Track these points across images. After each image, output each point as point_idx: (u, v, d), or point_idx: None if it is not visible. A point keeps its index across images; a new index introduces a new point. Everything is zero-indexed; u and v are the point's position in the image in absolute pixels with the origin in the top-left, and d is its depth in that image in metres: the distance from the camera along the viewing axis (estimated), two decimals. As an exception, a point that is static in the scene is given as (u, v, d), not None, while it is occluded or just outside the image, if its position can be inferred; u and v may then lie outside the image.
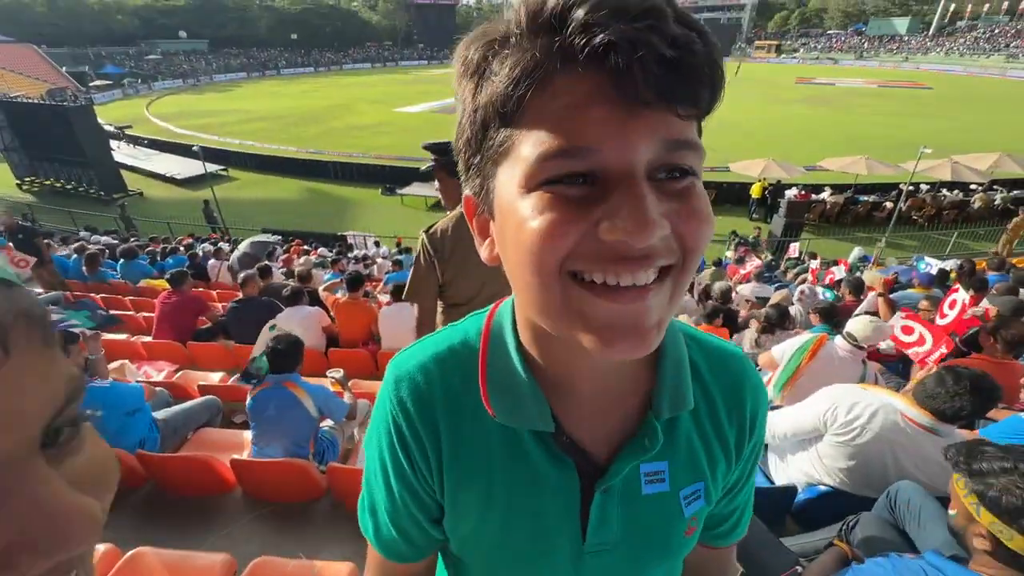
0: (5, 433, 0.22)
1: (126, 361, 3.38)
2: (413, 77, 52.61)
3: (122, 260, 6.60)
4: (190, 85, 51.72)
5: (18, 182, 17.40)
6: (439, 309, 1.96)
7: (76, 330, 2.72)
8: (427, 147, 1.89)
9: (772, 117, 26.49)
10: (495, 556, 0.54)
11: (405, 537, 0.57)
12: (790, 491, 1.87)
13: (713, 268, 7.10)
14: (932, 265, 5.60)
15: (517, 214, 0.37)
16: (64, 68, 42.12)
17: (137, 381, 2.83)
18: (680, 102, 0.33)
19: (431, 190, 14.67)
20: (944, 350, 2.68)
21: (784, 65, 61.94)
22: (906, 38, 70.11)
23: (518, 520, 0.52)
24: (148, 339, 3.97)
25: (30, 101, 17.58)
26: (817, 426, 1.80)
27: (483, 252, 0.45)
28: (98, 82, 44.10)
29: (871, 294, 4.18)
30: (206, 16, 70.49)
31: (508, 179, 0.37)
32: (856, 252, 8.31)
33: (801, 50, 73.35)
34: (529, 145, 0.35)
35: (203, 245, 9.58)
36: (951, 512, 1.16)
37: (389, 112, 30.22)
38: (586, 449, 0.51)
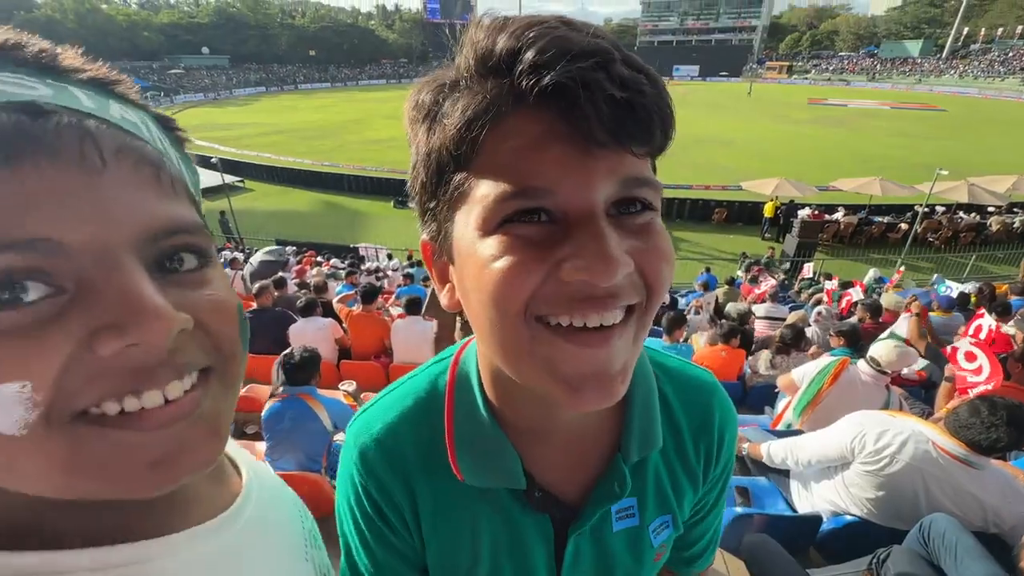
0: (101, 228, 0.26)
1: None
2: (427, 93, 53.63)
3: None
4: (211, 99, 53.17)
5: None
6: (457, 325, 1.96)
7: None
8: None
9: (784, 137, 26.49)
10: None
11: None
12: (814, 520, 1.81)
13: (726, 287, 7.04)
14: (952, 288, 5.50)
15: (477, 257, 0.35)
16: (91, 81, 43.53)
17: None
18: (634, 142, 0.32)
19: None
20: (994, 386, 2.61)
21: (796, 86, 62.15)
22: (919, 60, 70.18)
23: (501, 569, 0.52)
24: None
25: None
26: (844, 454, 1.75)
27: (443, 299, 0.43)
28: (123, 95, 45.46)
29: (904, 315, 4.08)
30: (228, 33, 72.83)
31: (465, 222, 0.36)
32: (872, 273, 8.18)
33: (813, 71, 73.69)
34: (485, 186, 0.34)
35: (221, 255, 9.69)
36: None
37: (403, 127, 30.72)
38: (559, 498, 0.51)
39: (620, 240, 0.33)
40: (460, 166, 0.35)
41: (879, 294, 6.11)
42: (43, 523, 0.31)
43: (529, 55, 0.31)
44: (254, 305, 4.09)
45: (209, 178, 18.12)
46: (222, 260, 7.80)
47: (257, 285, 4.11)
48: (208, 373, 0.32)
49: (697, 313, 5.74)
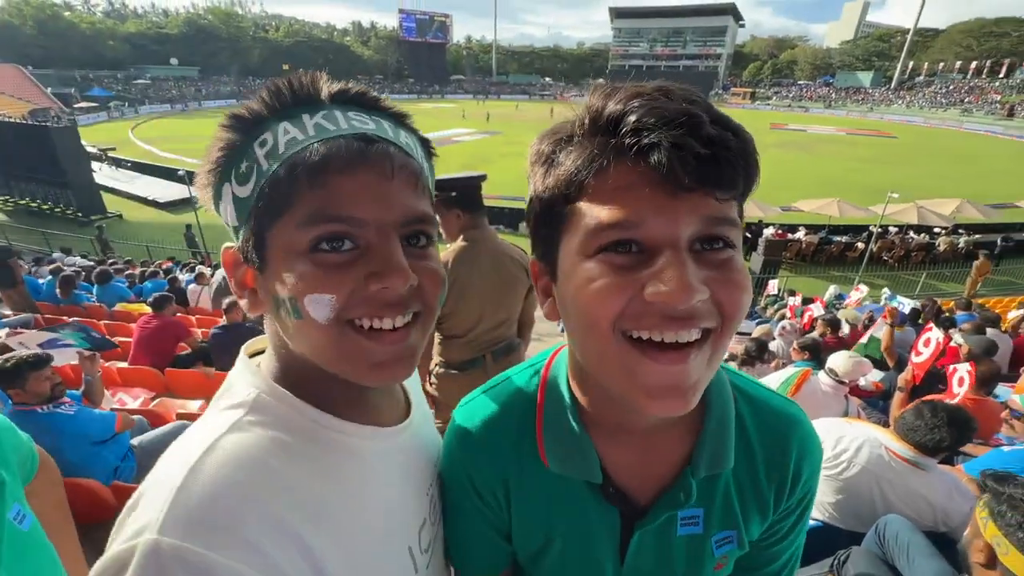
0: (387, 213, 0.44)
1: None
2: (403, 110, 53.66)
3: (97, 284, 6.42)
4: (178, 110, 51.84)
5: (-8, 201, 16.97)
6: (436, 340, 1.97)
7: (73, 349, 2.61)
8: (443, 181, 1.96)
9: (748, 159, 27.62)
10: (554, 572, 0.62)
11: (483, 553, 0.65)
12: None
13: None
14: (905, 304, 5.81)
15: (577, 278, 0.44)
16: (49, 89, 41.90)
17: (112, 409, 2.72)
18: (716, 188, 0.39)
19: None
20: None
21: (758, 111, 65.16)
22: (871, 90, 74.80)
23: (572, 548, 0.59)
24: (124, 365, 3.84)
25: (10, 120, 17.36)
26: None
27: (544, 310, 0.53)
28: (84, 104, 43.92)
29: (881, 322, 4.28)
30: (198, 44, 71.54)
31: (569, 247, 0.45)
32: (832, 290, 8.57)
33: (774, 98, 77.50)
34: (588, 219, 0.42)
35: (184, 270, 9.40)
36: (965, 532, 1.17)
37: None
38: (629, 496, 0.57)
39: (698, 270, 0.39)
40: (568, 201, 0.44)
41: (838, 310, 6.40)
42: (318, 393, 0.50)
43: (631, 119, 0.39)
44: (223, 321, 3.98)
45: (174, 191, 17.61)
46: (189, 274, 7.55)
47: (227, 300, 4.00)
48: (418, 317, 0.48)
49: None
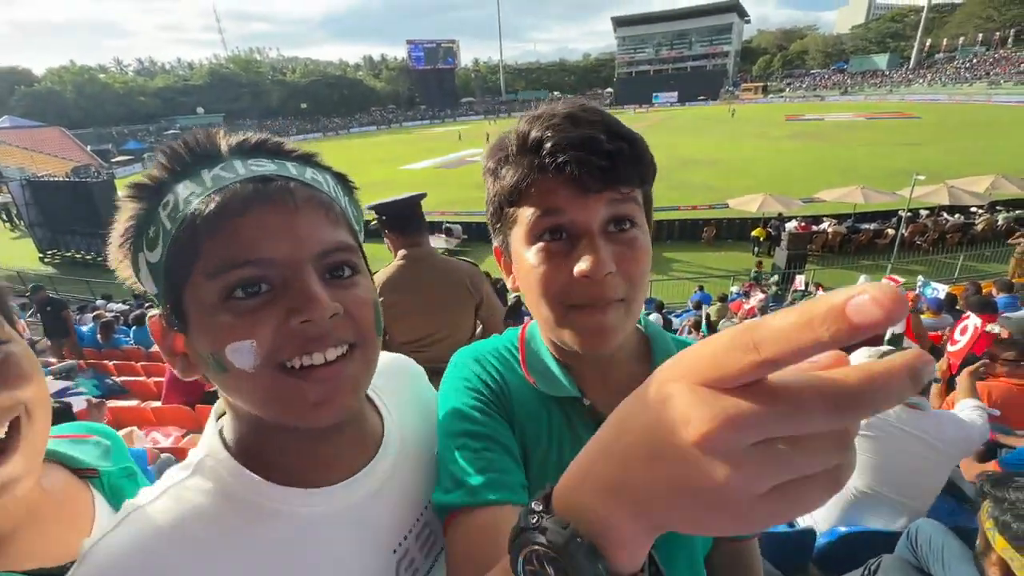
0: (297, 248, 0.44)
1: (134, 428, 3.39)
2: (417, 136, 55.05)
3: (134, 326, 6.74)
4: (206, 155, 54.33)
5: (41, 255, 18.06)
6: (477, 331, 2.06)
7: (83, 398, 2.74)
8: (371, 207, 2.05)
9: (766, 154, 27.12)
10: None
11: (497, 472, 0.58)
12: (808, 535, 1.80)
13: (719, 304, 7.08)
14: (939, 290, 5.55)
15: (524, 262, 0.58)
16: (89, 146, 44.71)
17: (144, 447, 2.83)
18: (617, 185, 0.54)
19: (440, 242, 15.02)
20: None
21: (772, 104, 64.11)
22: (888, 72, 72.71)
23: (565, 458, 0.63)
24: (157, 404, 4.00)
25: (55, 179, 18.56)
26: None
27: (508, 283, 0.66)
28: (120, 157, 46.69)
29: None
30: (221, 92, 75.36)
31: (516, 237, 0.59)
32: (862, 280, 8.27)
33: (787, 89, 76.14)
34: (526, 214, 0.57)
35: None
36: (978, 542, 1.12)
37: (395, 170, 31.39)
38: (605, 415, 0.59)
39: (609, 247, 0.54)
40: (511, 204, 0.58)
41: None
42: (266, 452, 0.50)
43: (548, 145, 0.53)
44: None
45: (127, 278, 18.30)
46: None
47: None
48: (353, 348, 0.47)
49: (691, 333, 5.76)
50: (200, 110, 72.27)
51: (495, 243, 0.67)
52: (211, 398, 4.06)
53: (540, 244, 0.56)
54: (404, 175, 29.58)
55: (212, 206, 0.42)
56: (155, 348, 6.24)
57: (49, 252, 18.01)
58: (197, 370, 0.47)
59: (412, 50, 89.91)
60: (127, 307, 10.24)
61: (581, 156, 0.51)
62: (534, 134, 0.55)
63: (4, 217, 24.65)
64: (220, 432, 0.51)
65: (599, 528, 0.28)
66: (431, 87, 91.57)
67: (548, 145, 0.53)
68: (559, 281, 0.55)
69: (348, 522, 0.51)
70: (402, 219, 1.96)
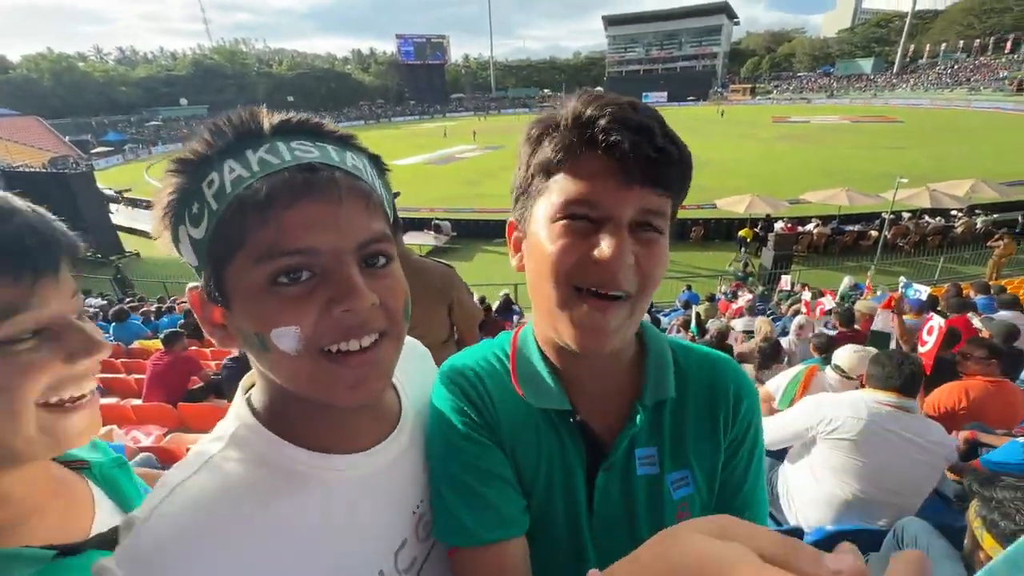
0: (341, 239, 0.45)
1: (114, 427, 3.30)
2: (405, 132, 54.55)
3: (114, 322, 6.58)
4: (189, 148, 53.26)
5: (16, 248, 17.54)
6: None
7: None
8: None
9: (754, 155, 27.45)
10: (540, 521, 0.63)
11: (493, 508, 0.60)
12: (796, 534, 1.81)
13: (707, 304, 7.15)
14: (921, 291, 5.65)
15: (542, 236, 0.55)
16: (67, 137, 43.51)
17: (125, 446, 2.75)
18: (657, 185, 0.51)
19: (428, 238, 14.92)
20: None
21: (760, 106, 64.90)
22: (873, 76, 74.02)
23: (555, 481, 0.63)
24: (138, 402, 3.90)
25: (31, 170, 18.05)
26: (809, 424, 1.88)
27: (512, 262, 0.63)
28: (100, 149, 45.48)
29: (881, 313, 4.11)
30: (206, 83, 73.88)
31: (541, 211, 0.56)
32: (847, 281, 8.38)
33: (775, 92, 77.13)
34: (559, 190, 0.54)
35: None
36: (966, 542, 1.13)
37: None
38: (594, 431, 0.63)
39: (633, 244, 0.52)
40: (546, 176, 0.55)
41: (855, 301, 6.26)
42: (297, 423, 0.53)
43: (603, 121, 0.50)
44: (235, 352, 4.03)
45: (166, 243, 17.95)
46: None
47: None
48: (384, 335, 0.50)
49: (679, 332, 5.80)
50: (184, 101, 70.68)
51: (512, 216, 0.63)
52: (194, 396, 3.99)
53: (564, 221, 0.53)
54: (394, 171, 29.17)
55: (261, 196, 0.42)
56: (135, 345, 6.12)
57: (25, 245, 17.50)
58: (235, 342, 0.49)
59: (402, 44, 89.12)
60: (105, 302, 10.00)
61: (635, 139, 0.49)
62: (590, 111, 0.52)
63: (-22, 208, 23.87)
64: (249, 402, 0.54)
65: None
66: (421, 82, 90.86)
67: (602, 122, 0.50)
68: (573, 258, 0.52)
69: (372, 486, 0.56)
70: None
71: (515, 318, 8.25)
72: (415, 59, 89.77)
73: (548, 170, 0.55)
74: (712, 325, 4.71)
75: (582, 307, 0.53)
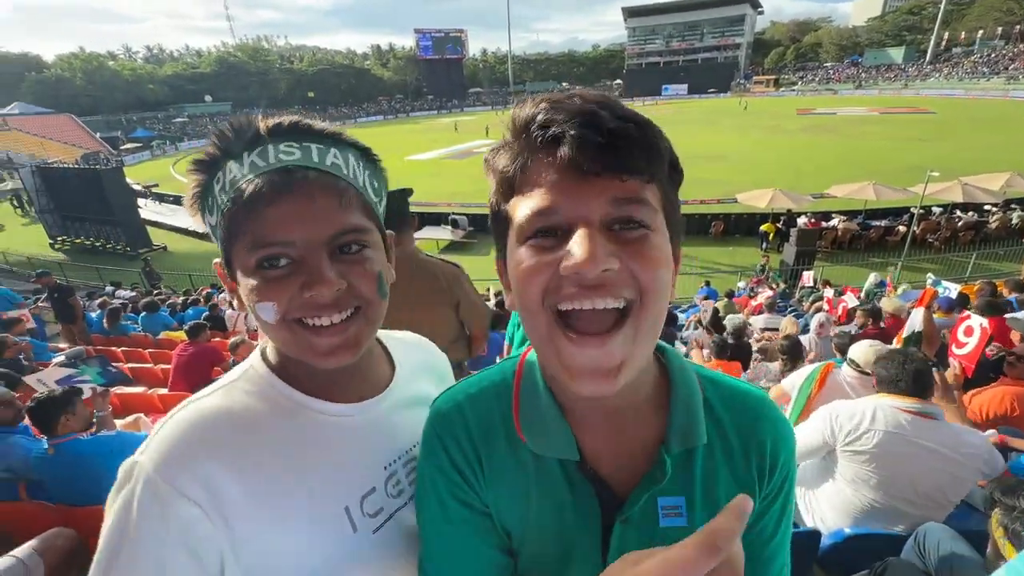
0: (313, 232, 0.54)
1: (141, 415, 3.42)
2: (424, 126, 54.80)
3: (144, 313, 6.79)
4: (213, 144, 54.48)
5: (51, 241, 18.23)
6: None
7: (87, 386, 2.78)
8: None
9: (776, 148, 26.79)
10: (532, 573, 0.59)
11: (466, 560, 0.59)
12: (813, 536, 1.78)
13: (725, 300, 7.03)
14: (951, 289, 5.46)
15: (513, 262, 0.49)
16: (98, 134, 44.94)
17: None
18: (620, 171, 0.43)
19: (445, 233, 14.99)
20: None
21: (784, 98, 63.20)
22: (903, 66, 71.37)
23: (549, 540, 0.57)
24: (164, 391, 4.03)
25: (64, 166, 18.67)
26: (825, 440, 1.79)
27: (507, 301, 0.55)
28: (129, 145, 46.86)
29: (915, 311, 3.97)
30: (230, 80, 75.25)
31: (511, 239, 0.49)
32: (872, 278, 8.14)
33: (800, 83, 75.00)
34: (518, 211, 0.48)
35: (222, 295, 9.82)
36: (988, 551, 1.10)
37: (401, 160, 31.30)
38: (606, 480, 0.56)
39: (608, 244, 0.43)
40: (507, 199, 0.50)
41: (880, 298, 6.08)
42: (296, 373, 0.63)
43: (540, 118, 0.45)
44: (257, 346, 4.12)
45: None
46: (224, 306, 7.86)
47: (234, 340, 4.13)
48: (358, 311, 0.58)
49: (696, 328, 5.72)
50: (208, 98, 72.22)
51: (497, 256, 0.57)
52: (217, 386, 4.11)
53: (530, 241, 0.46)
54: (410, 166, 29.49)
55: (248, 195, 0.52)
56: (162, 336, 6.31)
57: (59, 238, 18.16)
58: (244, 308, 0.59)
59: (420, 39, 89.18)
60: (135, 294, 10.32)
61: (576, 129, 0.42)
62: (526, 112, 0.47)
63: (15, 203, 24.85)
64: (263, 352, 0.65)
65: None
66: (439, 77, 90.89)
67: (539, 118, 0.45)
68: (545, 275, 0.45)
69: (355, 433, 0.64)
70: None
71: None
72: (433, 54, 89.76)
73: (506, 192, 0.49)
74: (729, 322, 4.63)
75: (571, 348, 0.45)
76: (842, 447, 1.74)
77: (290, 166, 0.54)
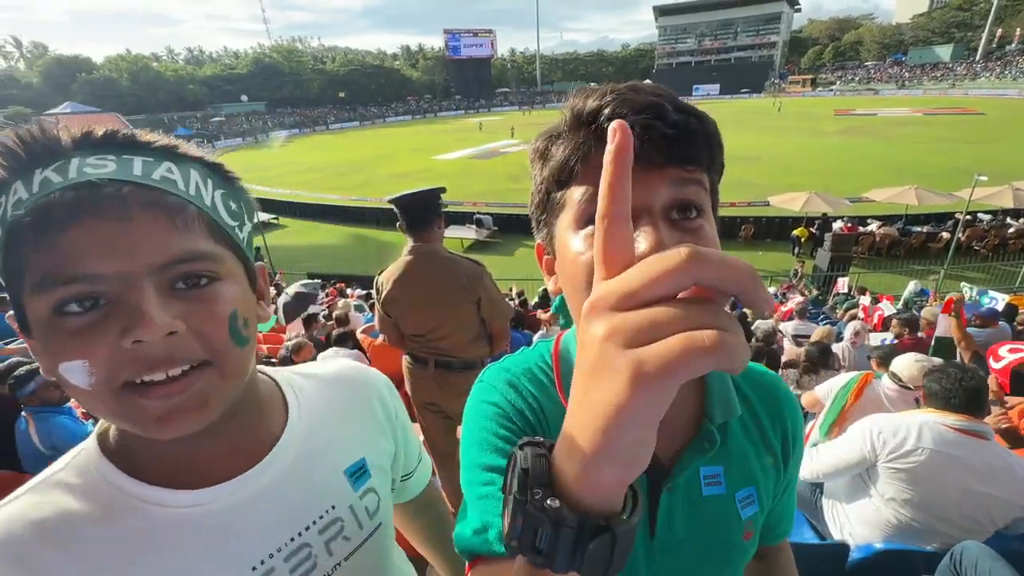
0: (130, 261, 0.41)
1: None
2: (451, 127, 55.24)
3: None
4: (249, 142, 56.35)
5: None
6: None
7: None
8: (389, 201, 2.10)
9: (811, 150, 25.95)
10: None
11: None
12: (840, 549, 1.72)
13: (754, 305, 6.84)
14: (997, 299, 5.20)
15: (569, 249, 0.49)
16: (142, 132, 47.05)
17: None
18: (683, 162, 0.46)
19: (470, 232, 15.10)
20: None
21: (821, 98, 61.19)
22: (951, 64, 68.10)
23: None
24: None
25: (111, 163, 19.52)
26: (864, 455, 1.71)
27: (549, 286, 0.57)
28: (169, 143, 48.84)
29: (941, 318, 3.81)
30: (264, 81, 77.56)
31: (564, 224, 0.50)
32: (912, 286, 7.81)
33: (838, 82, 72.47)
34: (577, 194, 0.48)
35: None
36: None
37: (428, 160, 31.67)
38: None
39: (672, 234, 0.45)
40: (561, 187, 0.50)
41: (920, 308, 5.83)
42: (140, 452, 0.49)
43: (607, 111, 0.46)
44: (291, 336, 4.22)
45: (246, 217, 18.97)
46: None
47: (294, 342, 4.22)
48: (206, 365, 0.45)
49: (723, 333, 5.59)
50: (244, 98, 74.61)
51: (538, 238, 0.58)
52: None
53: (590, 228, 0.47)
54: (438, 165, 29.81)
55: (31, 217, 0.39)
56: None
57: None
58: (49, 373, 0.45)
59: (449, 39, 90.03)
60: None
61: (645, 120, 0.44)
62: (591, 104, 0.48)
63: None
64: (103, 428, 0.51)
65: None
66: (467, 77, 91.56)
67: (607, 111, 0.46)
68: None
69: (207, 527, 0.49)
70: (410, 215, 1.99)
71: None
72: (462, 54, 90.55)
73: (561, 180, 0.50)
74: (759, 328, 4.51)
75: None
76: (884, 464, 1.66)
77: (96, 180, 0.40)
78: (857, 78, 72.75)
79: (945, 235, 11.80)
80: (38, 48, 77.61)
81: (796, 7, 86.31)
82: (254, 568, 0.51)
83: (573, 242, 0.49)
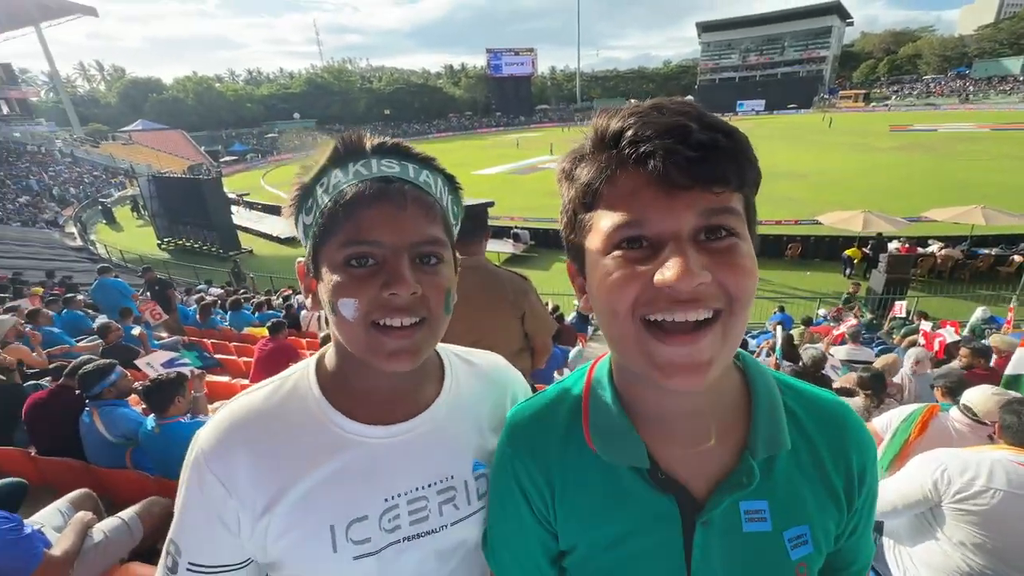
0: (399, 237, 0.57)
1: (226, 402, 3.72)
2: (491, 142, 56.24)
3: (231, 311, 7.43)
4: (300, 158, 59.16)
5: (158, 242, 20.54)
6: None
7: (186, 369, 3.08)
8: None
9: (863, 167, 24.83)
10: None
11: (520, 564, 0.66)
12: (905, 593, 1.59)
13: (801, 327, 6.54)
14: (1081, 329, 4.74)
15: (598, 272, 0.49)
16: (203, 148, 50.40)
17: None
18: (710, 183, 0.44)
19: (507, 247, 15.22)
20: None
21: (875, 113, 58.58)
22: (1021, 77, 63.83)
23: (624, 552, 0.58)
24: (246, 382, 4.37)
25: (173, 176, 21.06)
26: (927, 494, 1.56)
27: (580, 304, 0.58)
28: (227, 158, 52.07)
29: (1019, 351, 3.50)
30: (315, 99, 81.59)
31: (591, 247, 0.51)
32: (980, 312, 7.25)
33: (893, 97, 69.23)
34: (603, 221, 0.48)
35: (298, 297, 10.54)
36: None
37: (468, 175, 32.23)
38: (684, 484, 0.56)
39: (699, 257, 0.44)
40: (587, 209, 0.51)
41: (988, 336, 5.40)
42: (339, 381, 0.67)
43: (629, 133, 0.46)
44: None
45: (292, 228, 19.88)
46: (296, 306, 8.40)
47: (322, 334, 4.40)
48: (424, 321, 0.59)
49: (769, 355, 5.36)
50: (296, 115, 78.64)
51: (567, 258, 0.59)
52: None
53: (617, 252, 0.47)
54: (477, 180, 30.31)
55: (348, 196, 0.56)
56: (246, 331, 6.84)
57: (165, 240, 20.41)
58: (319, 308, 0.62)
59: (491, 58, 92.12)
60: (224, 292, 11.32)
61: (667, 144, 0.43)
62: (614, 125, 0.48)
63: (133, 207, 28.27)
64: (320, 359, 0.69)
65: None
66: (508, 94, 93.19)
67: (629, 134, 0.45)
68: (636, 289, 0.46)
69: (367, 456, 0.64)
70: (459, 227, 2.02)
71: (589, 330, 8.13)
72: (503, 72, 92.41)
73: (587, 203, 0.50)
74: (807, 352, 4.29)
75: (660, 345, 0.46)
76: (949, 504, 1.53)
77: (390, 177, 0.58)
78: (915, 92, 69.26)
79: (1017, 259, 10.95)
80: (117, 71, 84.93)
81: (848, 20, 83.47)
82: (385, 500, 0.64)
83: (601, 270, 0.49)
